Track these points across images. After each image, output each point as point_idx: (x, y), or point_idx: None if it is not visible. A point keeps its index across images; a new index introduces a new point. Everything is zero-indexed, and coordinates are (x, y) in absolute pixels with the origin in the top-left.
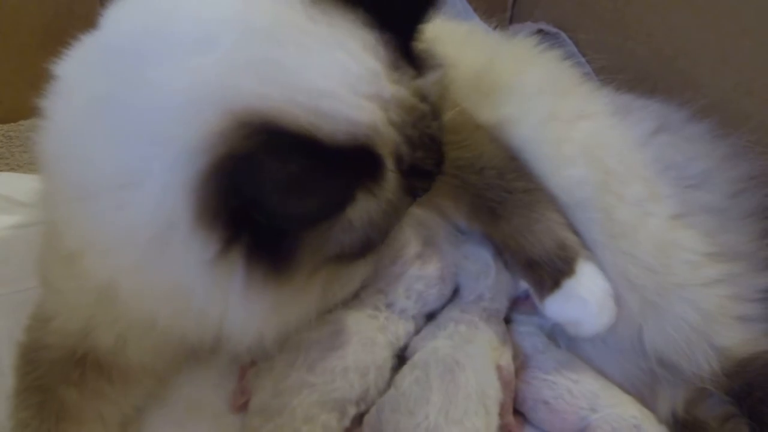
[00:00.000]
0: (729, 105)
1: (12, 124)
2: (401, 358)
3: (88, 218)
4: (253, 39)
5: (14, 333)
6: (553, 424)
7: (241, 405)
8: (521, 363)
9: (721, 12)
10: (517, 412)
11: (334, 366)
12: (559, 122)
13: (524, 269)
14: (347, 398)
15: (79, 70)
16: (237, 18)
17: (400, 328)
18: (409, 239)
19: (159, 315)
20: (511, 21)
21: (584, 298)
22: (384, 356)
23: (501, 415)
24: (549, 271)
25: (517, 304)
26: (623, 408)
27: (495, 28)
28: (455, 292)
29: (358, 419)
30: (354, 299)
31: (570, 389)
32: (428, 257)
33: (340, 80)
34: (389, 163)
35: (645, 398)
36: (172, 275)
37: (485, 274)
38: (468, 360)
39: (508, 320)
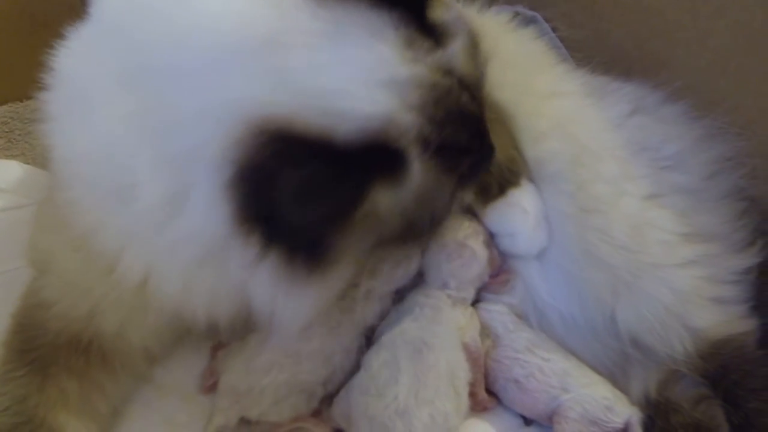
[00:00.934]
0: (704, 86)
1: None
2: (369, 338)
3: (127, 222)
4: (261, 47)
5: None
6: (524, 404)
7: (210, 386)
8: (492, 343)
9: None
10: (489, 393)
11: (299, 349)
12: (533, 97)
13: None
14: (314, 381)
15: (90, 73)
16: (243, 27)
17: (367, 309)
18: None
19: (191, 309)
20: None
21: (525, 209)
22: (350, 338)
23: (474, 391)
24: (497, 178)
25: (486, 282)
26: (595, 388)
27: None
28: (421, 275)
29: (327, 400)
30: None
31: (541, 368)
32: None
33: (349, 76)
34: (412, 149)
35: (617, 379)
36: (215, 277)
37: (447, 261)
38: (436, 340)
39: (476, 300)
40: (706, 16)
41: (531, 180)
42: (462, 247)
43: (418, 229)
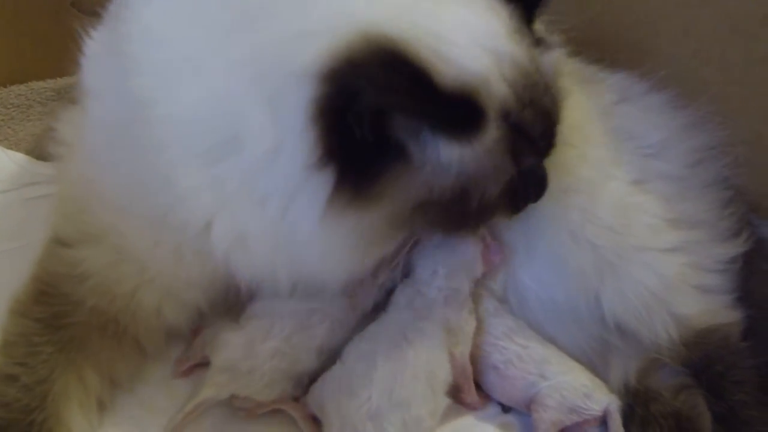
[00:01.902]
0: (688, 75)
1: None
2: None
3: (225, 179)
4: None
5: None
6: (503, 390)
7: (185, 371)
8: (477, 325)
9: None
10: (479, 389)
11: (305, 343)
12: None
13: None
14: (306, 372)
15: (186, 24)
16: None
17: (368, 303)
18: None
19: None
20: None
21: None
22: (347, 334)
23: (462, 396)
24: None
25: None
26: (573, 376)
27: None
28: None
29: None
30: None
31: (519, 354)
32: None
33: (464, 31)
34: (493, 115)
35: (597, 367)
36: (287, 228)
37: (438, 248)
38: (418, 336)
39: None
40: (689, 6)
41: None
42: None
43: (463, 208)
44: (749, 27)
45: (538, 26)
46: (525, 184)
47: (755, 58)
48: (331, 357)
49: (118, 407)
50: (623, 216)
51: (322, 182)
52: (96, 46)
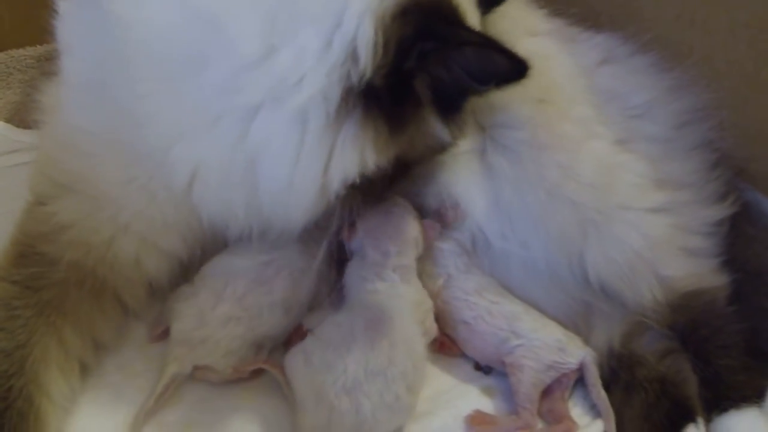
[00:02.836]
0: (672, 37)
1: None
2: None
3: (182, 103)
4: None
5: None
6: (474, 346)
7: (159, 335)
8: (443, 283)
9: None
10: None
11: (262, 301)
12: (507, 35)
13: None
14: (270, 335)
15: None
16: None
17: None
18: None
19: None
20: None
21: None
22: (309, 291)
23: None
24: None
25: (438, 215)
26: (545, 331)
27: None
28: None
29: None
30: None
31: (489, 310)
32: None
33: None
34: None
35: (580, 331)
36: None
37: (384, 229)
38: (395, 313)
39: None
40: None
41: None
42: (392, 208)
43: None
44: None
45: None
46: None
47: (740, 22)
48: (300, 313)
49: (96, 371)
50: (606, 174)
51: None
52: (68, 5)
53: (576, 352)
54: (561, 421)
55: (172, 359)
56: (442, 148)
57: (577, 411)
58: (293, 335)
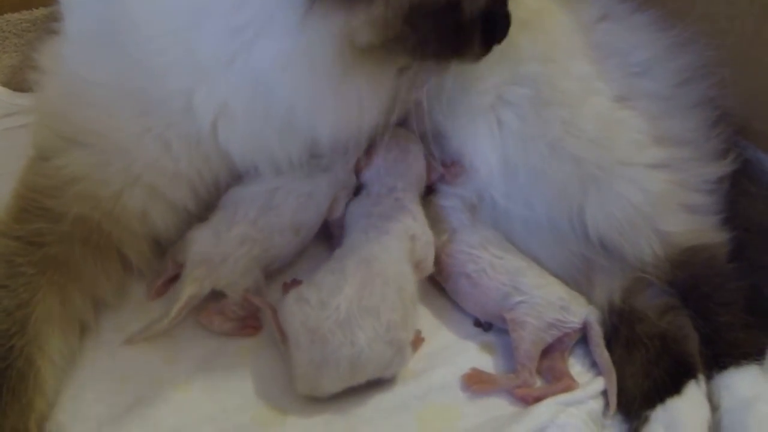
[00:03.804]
0: None
1: None
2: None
3: (205, 48)
4: None
5: None
6: (476, 300)
7: (160, 287)
8: (447, 237)
9: None
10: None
11: (273, 224)
12: None
13: None
14: (281, 255)
15: None
16: None
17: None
18: None
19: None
20: None
21: None
22: (317, 214)
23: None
24: None
25: (447, 170)
26: (549, 289)
27: None
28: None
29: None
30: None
31: (493, 264)
32: None
33: None
34: None
35: (581, 287)
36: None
37: (392, 166)
38: (384, 253)
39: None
40: None
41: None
42: (411, 145)
43: (456, 19)
44: None
45: None
46: (492, 22)
47: None
48: (309, 234)
49: (95, 331)
50: (607, 130)
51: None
52: None
53: (579, 311)
54: (560, 379)
55: (190, 280)
56: None
57: (576, 369)
58: (289, 286)
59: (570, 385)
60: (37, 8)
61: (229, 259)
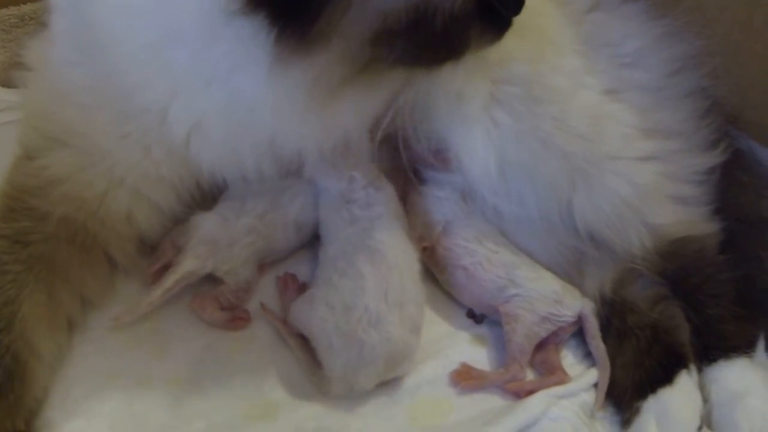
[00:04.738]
0: None
1: None
2: None
3: (179, 64)
4: None
5: None
6: (471, 292)
7: (156, 273)
8: (443, 230)
9: None
10: None
11: (279, 220)
12: None
13: None
14: (278, 249)
15: None
16: None
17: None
18: None
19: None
20: None
21: None
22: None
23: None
24: None
25: (436, 158)
26: (543, 283)
27: None
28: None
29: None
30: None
31: (489, 258)
32: None
33: None
34: None
35: (572, 278)
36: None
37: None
38: (384, 237)
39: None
40: None
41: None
42: None
43: (428, 32)
44: None
45: None
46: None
47: None
48: (309, 232)
49: (84, 327)
50: (595, 124)
51: (260, 39)
52: None
53: (573, 304)
54: (553, 373)
55: (192, 255)
56: None
57: (569, 360)
58: (288, 286)
59: (562, 379)
60: (24, 3)
61: (236, 245)
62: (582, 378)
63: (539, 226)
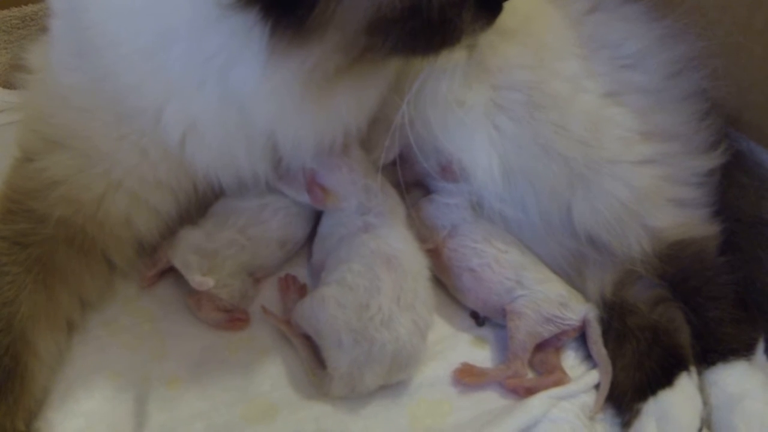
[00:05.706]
0: None
1: None
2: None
3: (172, 67)
4: None
5: None
6: (478, 294)
7: (151, 277)
8: (448, 233)
9: None
10: None
11: (262, 236)
12: None
13: None
14: (265, 265)
15: None
16: None
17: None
18: None
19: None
20: None
21: None
22: (304, 229)
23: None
24: None
25: (443, 171)
26: (550, 285)
27: None
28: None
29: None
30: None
31: (497, 258)
32: None
33: None
34: None
35: (573, 280)
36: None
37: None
38: (400, 242)
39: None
40: None
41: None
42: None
43: (424, 19)
44: None
45: None
46: None
47: None
48: (294, 248)
49: (83, 327)
50: (595, 129)
51: (256, 32)
52: None
53: (578, 308)
54: (552, 373)
55: (179, 265)
56: None
57: (569, 362)
58: (289, 286)
59: (561, 379)
60: (26, 5)
61: (218, 256)
62: (582, 380)
63: (541, 231)
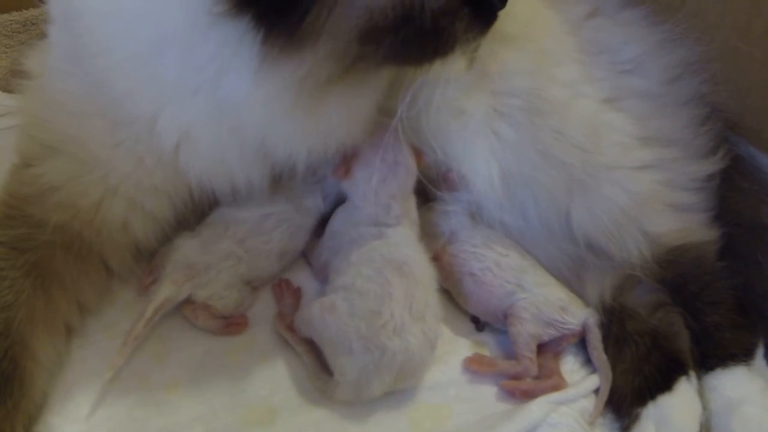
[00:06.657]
0: None
1: None
2: None
3: (166, 75)
4: None
5: None
6: (479, 299)
7: (149, 284)
8: (448, 239)
9: None
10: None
11: (260, 248)
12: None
13: None
14: (262, 276)
15: None
16: None
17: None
18: None
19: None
20: None
21: None
22: (303, 240)
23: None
24: None
25: (442, 180)
26: (550, 289)
27: None
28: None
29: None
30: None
31: (498, 262)
32: None
33: None
34: None
35: (572, 285)
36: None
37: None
38: (412, 251)
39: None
40: None
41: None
42: (399, 158)
43: (416, 28)
44: None
45: None
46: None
47: None
48: (292, 260)
49: (80, 332)
50: (594, 135)
51: (248, 40)
52: None
53: (578, 313)
54: (550, 377)
55: (169, 282)
56: None
57: (569, 367)
58: (283, 292)
59: (559, 384)
60: (27, 9)
61: (212, 270)
62: (582, 384)
63: (541, 237)
